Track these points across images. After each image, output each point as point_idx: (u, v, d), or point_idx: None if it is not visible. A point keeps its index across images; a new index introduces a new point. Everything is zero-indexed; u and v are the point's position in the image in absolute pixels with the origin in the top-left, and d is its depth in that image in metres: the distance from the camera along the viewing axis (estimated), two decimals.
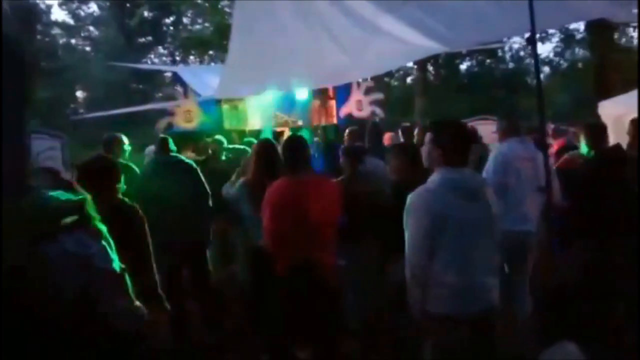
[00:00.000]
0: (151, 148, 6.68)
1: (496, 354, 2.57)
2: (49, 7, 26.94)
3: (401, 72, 22.36)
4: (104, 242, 1.82)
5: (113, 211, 2.30)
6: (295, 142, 3.36)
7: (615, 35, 15.60)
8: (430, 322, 2.45)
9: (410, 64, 19.57)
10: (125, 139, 5.21)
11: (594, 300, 3.67)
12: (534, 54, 3.39)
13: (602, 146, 4.19)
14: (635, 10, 6.10)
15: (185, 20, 26.49)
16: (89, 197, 1.88)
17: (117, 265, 1.84)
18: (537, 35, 3.32)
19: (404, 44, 4.16)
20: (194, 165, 4.58)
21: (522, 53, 22.44)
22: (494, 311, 2.47)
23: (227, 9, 20.51)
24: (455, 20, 3.69)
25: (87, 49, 26.54)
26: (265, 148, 3.83)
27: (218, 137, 6.46)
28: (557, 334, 2.83)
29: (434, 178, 2.49)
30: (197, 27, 25.71)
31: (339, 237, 3.35)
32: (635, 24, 15.43)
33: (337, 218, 3.34)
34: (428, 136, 2.62)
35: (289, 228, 3.12)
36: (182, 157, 4.69)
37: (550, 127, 9.23)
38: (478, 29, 3.87)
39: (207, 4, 23.37)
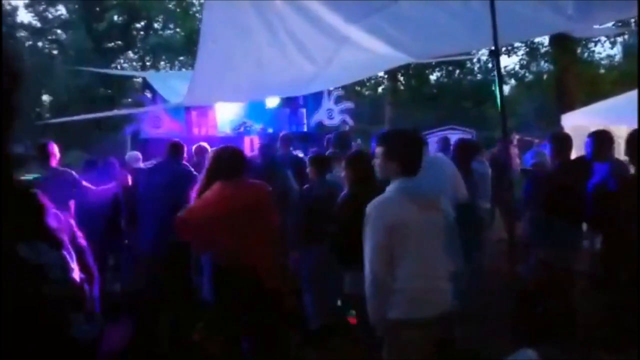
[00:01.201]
0: (133, 154, 6.57)
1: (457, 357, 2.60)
2: (15, 8, 26.04)
3: (372, 81, 22.53)
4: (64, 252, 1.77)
5: None
6: (232, 151, 3.56)
7: (578, 50, 16.08)
8: (390, 328, 2.45)
9: (382, 74, 19.76)
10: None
11: (554, 306, 3.75)
12: (497, 66, 3.48)
13: (566, 157, 4.28)
14: (596, 26, 6.33)
15: (156, 25, 26.10)
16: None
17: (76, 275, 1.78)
18: (503, 49, 3.40)
19: (372, 54, 4.20)
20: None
21: (489, 65, 22.89)
22: (451, 314, 2.48)
23: (198, 15, 20.36)
24: (420, 32, 3.75)
25: (54, 52, 25.84)
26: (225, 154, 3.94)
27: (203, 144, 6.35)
28: (521, 340, 2.88)
29: (391, 187, 2.51)
30: (168, 32, 25.36)
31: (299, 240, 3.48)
32: (596, 40, 15.97)
33: (274, 222, 3.52)
34: (379, 148, 2.58)
35: (222, 232, 3.28)
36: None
37: (515, 137, 9.50)
38: (442, 41, 3.93)
39: (178, 10, 23.14)
